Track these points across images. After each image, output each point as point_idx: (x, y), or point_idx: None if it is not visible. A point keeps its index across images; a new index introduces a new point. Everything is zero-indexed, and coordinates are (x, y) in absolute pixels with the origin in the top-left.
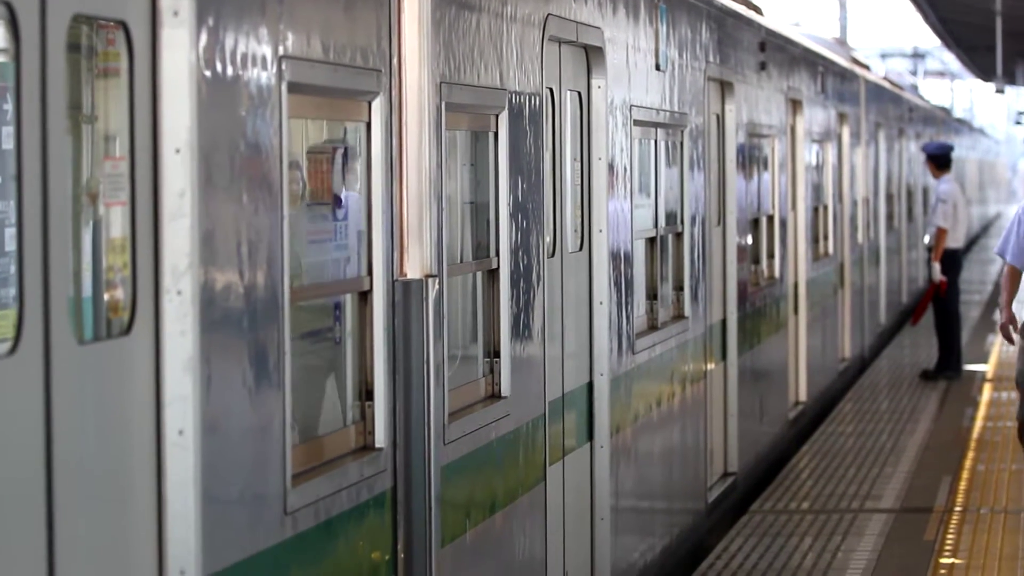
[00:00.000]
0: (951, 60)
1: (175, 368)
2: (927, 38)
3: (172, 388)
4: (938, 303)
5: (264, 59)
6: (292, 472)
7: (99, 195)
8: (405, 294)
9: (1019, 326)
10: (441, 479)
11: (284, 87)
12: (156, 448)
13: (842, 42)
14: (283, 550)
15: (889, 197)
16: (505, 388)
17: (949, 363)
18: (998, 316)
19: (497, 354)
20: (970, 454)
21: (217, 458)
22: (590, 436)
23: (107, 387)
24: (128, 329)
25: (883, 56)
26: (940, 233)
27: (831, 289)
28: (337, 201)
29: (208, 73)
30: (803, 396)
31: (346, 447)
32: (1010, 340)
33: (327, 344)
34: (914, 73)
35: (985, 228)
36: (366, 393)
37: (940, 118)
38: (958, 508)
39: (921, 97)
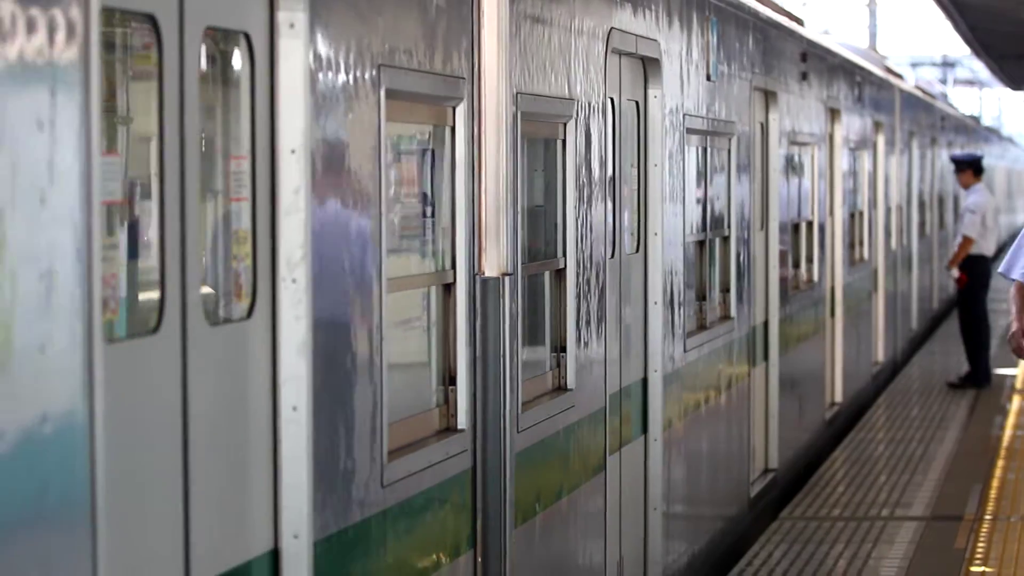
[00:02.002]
0: (980, 68)
1: (290, 350)
2: (956, 46)
3: (287, 368)
4: (964, 312)
5: (365, 67)
6: (388, 448)
7: (225, 192)
8: (483, 290)
9: None
10: (515, 464)
11: (383, 92)
12: (272, 423)
13: (874, 49)
14: (380, 520)
15: (921, 205)
16: (571, 381)
17: (978, 373)
18: (1012, 327)
19: (563, 349)
20: (1000, 462)
21: (325, 434)
22: (644, 429)
23: (232, 366)
24: (249, 314)
25: (913, 65)
26: (966, 242)
27: (866, 294)
28: (425, 199)
29: (319, 80)
30: (839, 397)
31: (432, 428)
32: (1021, 353)
33: (416, 331)
34: (944, 82)
35: (1014, 237)
36: (449, 378)
37: (970, 127)
38: (988, 517)
39: (951, 106)
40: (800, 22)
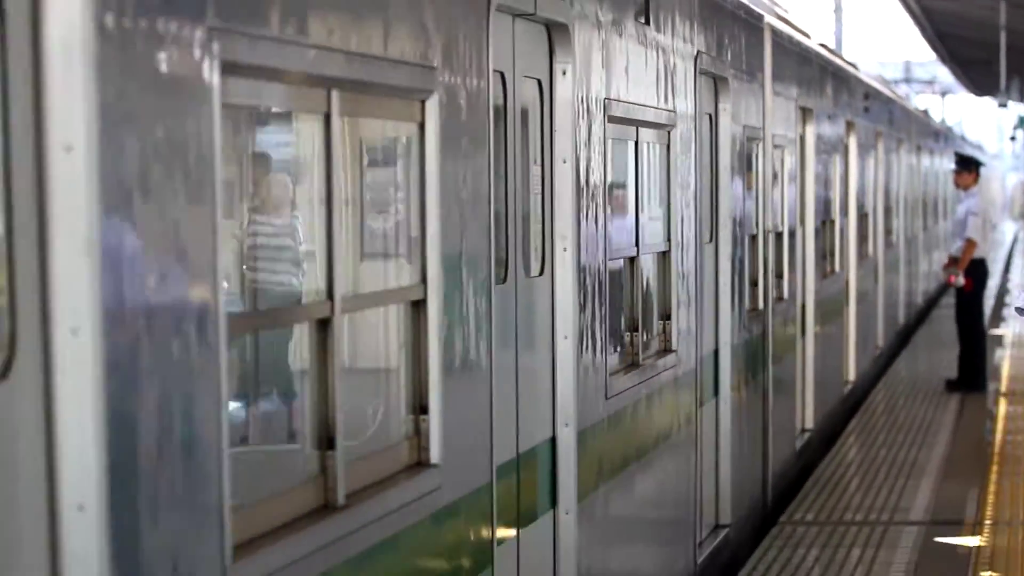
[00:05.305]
0: (944, 74)
1: (566, 302)
2: (918, 49)
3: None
4: (963, 316)
5: (600, 102)
6: (609, 371)
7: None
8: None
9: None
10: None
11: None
12: (551, 351)
13: (839, 55)
14: (605, 424)
15: (912, 204)
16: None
17: (972, 377)
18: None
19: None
20: (994, 467)
21: (583, 354)
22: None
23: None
24: (540, 273)
25: (893, 82)
26: (970, 245)
27: (873, 278)
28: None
29: (579, 109)
30: (851, 376)
31: (656, 348)
32: None
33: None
34: (908, 81)
35: None
36: (666, 315)
37: (947, 135)
38: (989, 521)
39: (928, 115)
40: (856, 66)
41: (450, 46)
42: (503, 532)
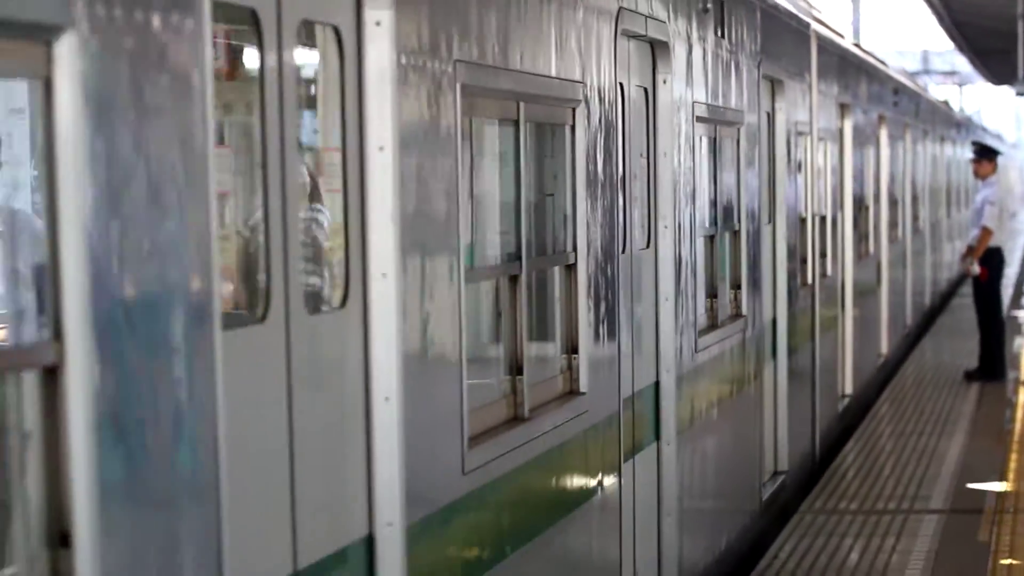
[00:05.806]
0: (962, 63)
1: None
2: (935, 38)
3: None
4: (982, 305)
5: (687, 110)
6: (698, 330)
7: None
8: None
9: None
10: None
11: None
12: (655, 305)
13: (858, 44)
14: (694, 371)
15: (933, 192)
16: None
17: (992, 366)
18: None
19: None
20: (1014, 456)
21: (677, 317)
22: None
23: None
24: (647, 246)
25: (914, 73)
26: (986, 234)
27: (903, 259)
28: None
29: (672, 110)
30: (884, 350)
31: (729, 313)
32: None
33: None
34: (927, 72)
35: None
36: (738, 285)
37: (969, 126)
38: (1009, 510)
39: (948, 105)
40: (885, 63)
41: (590, 64)
42: (626, 454)
